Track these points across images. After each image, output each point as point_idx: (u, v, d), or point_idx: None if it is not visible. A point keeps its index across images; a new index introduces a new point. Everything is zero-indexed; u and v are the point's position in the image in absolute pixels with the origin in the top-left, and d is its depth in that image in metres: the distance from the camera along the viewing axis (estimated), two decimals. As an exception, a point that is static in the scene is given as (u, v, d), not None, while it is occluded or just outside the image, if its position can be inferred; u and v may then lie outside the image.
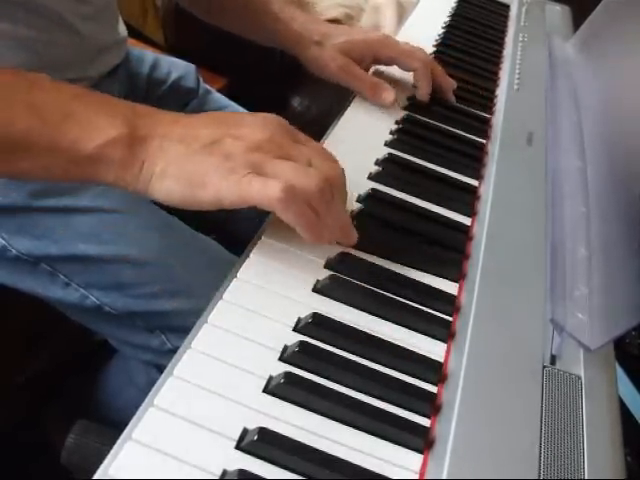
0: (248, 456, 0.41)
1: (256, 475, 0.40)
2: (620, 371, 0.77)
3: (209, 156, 0.49)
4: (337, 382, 0.46)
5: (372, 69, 0.86)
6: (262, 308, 0.50)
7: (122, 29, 0.89)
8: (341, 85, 0.80)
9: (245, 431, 0.42)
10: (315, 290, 0.53)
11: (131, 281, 0.71)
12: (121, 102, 0.52)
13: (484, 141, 0.79)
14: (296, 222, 0.50)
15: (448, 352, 0.51)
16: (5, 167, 0.51)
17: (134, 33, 1.33)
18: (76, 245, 0.72)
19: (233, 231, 0.90)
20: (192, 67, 0.98)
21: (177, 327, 0.70)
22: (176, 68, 0.95)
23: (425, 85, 0.81)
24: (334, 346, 0.49)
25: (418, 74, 0.81)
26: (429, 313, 0.54)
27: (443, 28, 1.05)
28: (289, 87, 1.52)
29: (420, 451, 0.44)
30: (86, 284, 0.73)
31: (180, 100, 0.93)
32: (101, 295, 0.73)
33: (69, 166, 0.49)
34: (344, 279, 0.54)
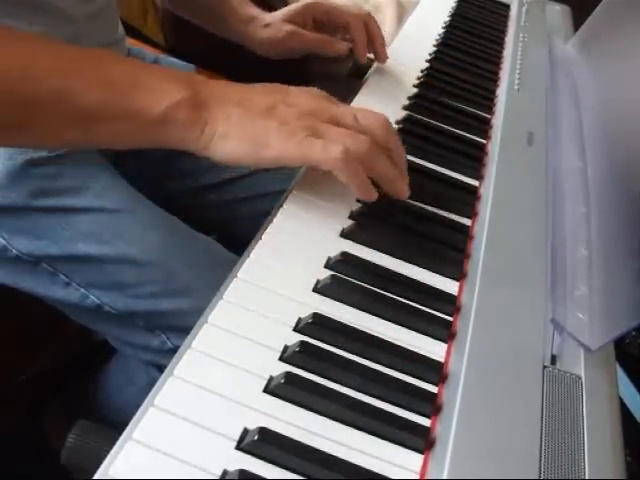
0: (248, 456, 0.41)
1: (256, 475, 0.40)
2: (620, 371, 0.77)
3: (268, 120, 0.54)
4: (337, 382, 0.46)
5: (374, 66, 0.88)
6: (262, 308, 0.50)
7: (120, 28, 0.89)
8: (304, 55, 0.86)
9: (245, 431, 0.42)
10: (315, 290, 0.53)
11: (131, 281, 0.71)
12: (178, 71, 0.56)
13: (484, 141, 0.79)
14: (350, 181, 0.55)
15: (448, 352, 0.51)
16: (82, 136, 0.55)
17: (134, 33, 1.33)
18: (76, 245, 0.72)
19: (233, 231, 0.90)
20: (191, 67, 0.99)
21: (178, 327, 0.70)
22: (175, 68, 0.96)
23: (360, 37, 0.84)
24: (334, 346, 0.49)
25: (351, 27, 0.85)
26: (429, 313, 0.54)
27: (443, 28, 1.05)
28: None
29: (420, 451, 0.44)
30: (86, 284, 0.73)
31: None
32: (101, 295, 0.73)
33: (140, 130, 0.53)
34: (344, 279, 0.54)
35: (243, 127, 0.54)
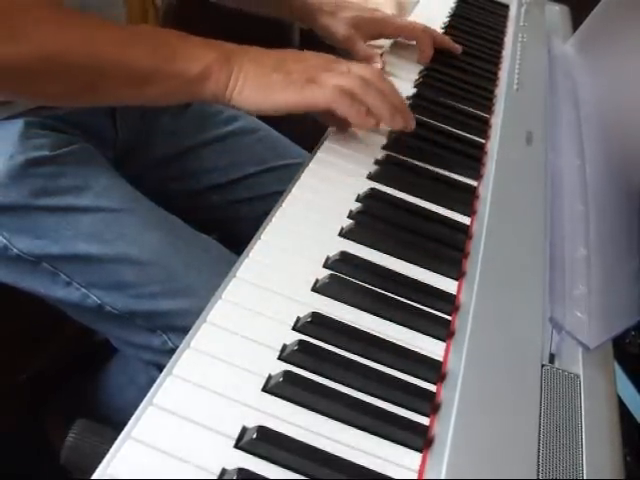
0: (247, 455, 0.41)
1: (255, 474, 0.40)
2: (619, 371, 0.76)
3: (277, 73, 0.65)
4: (336, 381, 0.46)
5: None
6: (261, 307, 0.50)
7: None
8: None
9: (244, 430, 0.42)
10: (314, 289, 0.53)
11: (132, 281, 0.71)
12: (203, 38, 0.66)
13: (484, 141, 0.79)
14: (347, 113, 0.65)
15: (447, 351, 0.51)
16: (136, 95, 0.66)
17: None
18: (77, 244, 0.72)
19: (234, 231, 0.90)
20: None
21: (178, 327, 0.70)
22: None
23: (427, 47, 0.95)
24: (333, 345, 0.49)
25: (420, 40, 0.95)
26: (428, 312, 0.54)
27: (443, 28, 1.05)
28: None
29: (419, 450, 0.44)
30: (87, 283, 0.73)
31: (180, 103, 0.94)
32: (102, 295, 0.73)
33: (182, 88, 0.65)
34: (343, 278, 0.54)
35: (258, 80, 0.65)
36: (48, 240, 0.72)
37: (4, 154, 0.72)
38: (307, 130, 0.81)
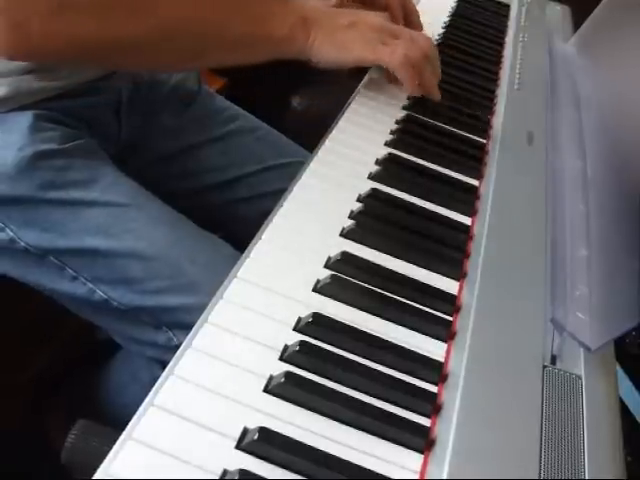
0: (248, 456, 0.41)
1: (256, 475, 0.40)
2: (620, 371, 0.76)
3: (352, 31, 0.74)
4: (337, 382, 0.46)
5: (373, 67, 0.87)
6: (262, 308, 0.50)
7: None
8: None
9: (245, 431, 0.42)
10: (315, 290, 0.53)
11: (139, 276, 0.71)
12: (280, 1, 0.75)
13: (484, 141, 0.79)
14: (405, 78, 0.76)
15: (448, 352, 0.51)
16: (232, 57, 0.73)
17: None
18: (84, 238, 0.72)
19: (235, 230, 0.90)
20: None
21: (184, 323, 0.70)
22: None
23: (398, 13, 0.95)
24: (334, 346, 0.49)
25: (391, 5, 0.96)
26: (429, 313, 0.54)
27: (443, 28, 1.05)
28: (289, 87, 1.52)
29: (420, 451, 0.44)
30: (93, 278, 0.73)
31: (182, 100, 0.94)
32: (108, 289, 0.73)
33: (272, 48, 0.73)
34: (344, 279, 0.54)
35: (334, 37, 0.73)
36: (55, 233, 0.72)
37: (13, 146, 0.72)
38: (308, 130, 0.81)
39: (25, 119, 0.73)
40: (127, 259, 0.71)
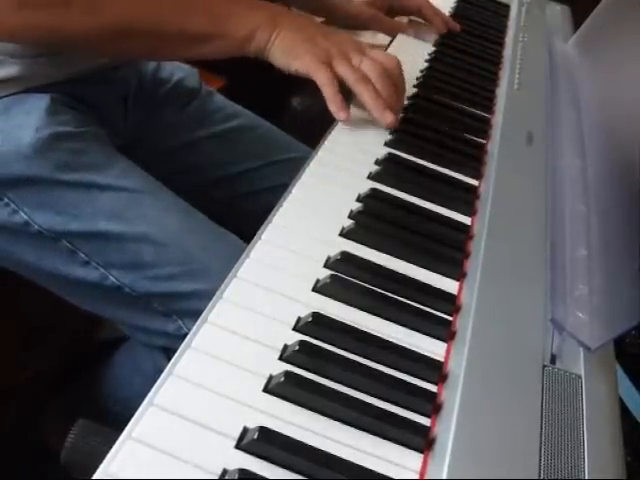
0: (248, 455, 0.41)
1: (256, 474, 0.40)
2: (620, 371, 0.76)
3: (306, 43, 0.75)
4: (337, 381, 0.46)
5: None
6: (262, 307, 0.50)
7: None
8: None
9: (245, 430, 0.42)
10: (315, 289, 0.53)
11: (150, 261, 0.72)
12: (258, 2, 0.78)
13: (484, 141, 0.79)
14: (359, 92, 0.74)
15: (448, 351, 0.51)
16: (191, 52, 0.76)
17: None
18: (97, 222, 0.72)
19: (238, 226, 0.90)
20: (194, 69, 1.00)
21: (194, 311, 0.70)
22: (179, 69, 0.97)
23: (433, 15, 1.05)
24: (334, 345, 0.49)
25: (423, 9, 1.05)
26: (429, 312, 0.54)
27: (443, 28, 1.05)
28: (289, 87, 1.52)
29: (420, 450, 0.44)
30: (106, 263, 0.73)
31: (182, 100, 0.94)
32: (120, 275, 0.73)
33: (231, 47, 0.74)
34: (344, 278, 0.54)
35: (289, 44, 0.75)
36: (68, 216, 0.73)
37: (30, 126, 0.73)
38: (308, 129, 0.81)
39: (43, 101, 0.75)
40: (140, 244, 0.72)
